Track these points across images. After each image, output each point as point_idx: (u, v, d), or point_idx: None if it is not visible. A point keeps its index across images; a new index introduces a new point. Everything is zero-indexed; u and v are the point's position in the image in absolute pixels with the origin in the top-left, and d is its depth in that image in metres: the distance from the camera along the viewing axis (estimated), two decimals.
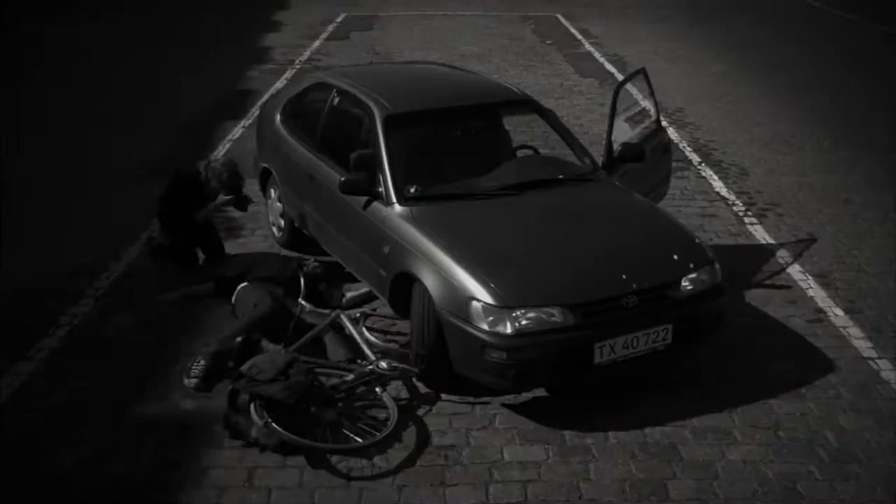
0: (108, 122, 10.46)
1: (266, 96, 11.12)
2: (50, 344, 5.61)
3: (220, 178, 6.52)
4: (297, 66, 13.20)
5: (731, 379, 5.26)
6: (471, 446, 4.62)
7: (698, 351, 5.37)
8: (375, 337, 5.48)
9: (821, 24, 17.85)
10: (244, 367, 4.78)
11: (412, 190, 5.42)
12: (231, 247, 7.00)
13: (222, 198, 6.57)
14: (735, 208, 7.94)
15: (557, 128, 6.37)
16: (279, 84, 12.02)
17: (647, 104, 7.35)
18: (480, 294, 4.65)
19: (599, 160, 6.05)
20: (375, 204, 5.48)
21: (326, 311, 5.66)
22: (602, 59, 14.09)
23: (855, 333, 5.82)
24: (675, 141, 9.58)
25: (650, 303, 4.85)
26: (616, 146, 6.00)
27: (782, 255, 7.01)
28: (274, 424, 4.43)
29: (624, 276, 4.85)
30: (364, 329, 5.48)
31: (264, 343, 5.34)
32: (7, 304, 6.09)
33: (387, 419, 4.69)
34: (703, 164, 9.10)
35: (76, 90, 11.94)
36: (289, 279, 5.92)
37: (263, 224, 7.33)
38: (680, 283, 4.98)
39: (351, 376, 4.93)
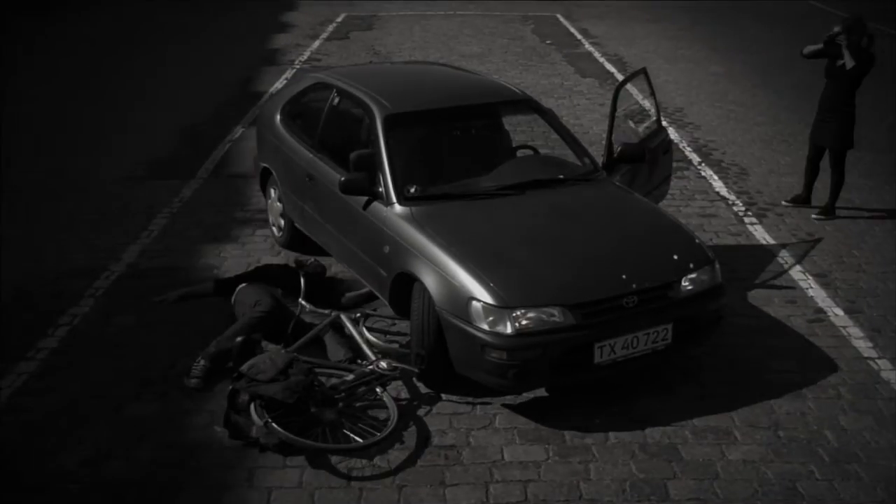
0: (109, 121, 10.47)
1: (266, 96, 11.13)
2: (50, 344, 5.61)
3: None
4: (297, 66, 13.19)
5: (731, 379, 5.26)
6: (471, 446, 4.62)
7: (698, 351, 5.38)
8: (375, 337, 5.48)
9: (822, 24, 17.81)
10: (244, 367, 4.78)
11: (412, 190, 5.41)
12: (232, 247, 7.00)
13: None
14: (735, 208, 7.94)
15: (557, 128, 6.37)
16: (279, 84, 12.02)
17: (647, 104, 7.36)
18: (480, 294, 4.65)
19: (599, 160, 6.05)
20: (375, 204, 5.48)
21: (326, 311, 5.66)
22: (602, 59, 14.09)
23: (855, 333, 5.82)
24: (675, 141, 9.57)
25: (650, 303, 4.85)
26: (616, 146, 6.00)
27: (782, 254, 7.01)
28: (274, 424, 4.43)
29: (624, 276, 4.85)
30: (364, 329, 5.48)
31: (264, 343, 5.34)
32: (7, 304, 6.09)
33: (387, 419, 4.69)
34: (702, 164, 9.09)
35: (76, 89, 11.93)
36: (289, 279, 5.93)
37: (263, 224, 7.33)
38: (680, 283, 4.98)
39: (351, 376, 4.93)
